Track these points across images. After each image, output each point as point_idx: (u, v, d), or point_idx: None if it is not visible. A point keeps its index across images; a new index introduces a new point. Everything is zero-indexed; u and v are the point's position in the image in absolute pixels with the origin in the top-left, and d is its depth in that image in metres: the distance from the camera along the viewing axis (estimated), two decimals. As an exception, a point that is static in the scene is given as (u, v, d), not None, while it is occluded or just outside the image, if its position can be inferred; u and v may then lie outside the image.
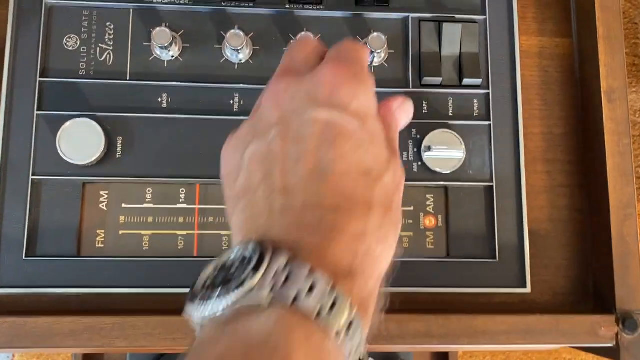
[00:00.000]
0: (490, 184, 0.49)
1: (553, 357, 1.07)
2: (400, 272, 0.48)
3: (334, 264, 0.29)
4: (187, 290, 0.44)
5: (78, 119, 0.46)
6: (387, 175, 0.33)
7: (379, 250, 0.32)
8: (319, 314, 0.26)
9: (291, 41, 0.49)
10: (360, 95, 0.34)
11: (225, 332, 0.26)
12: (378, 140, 0.33)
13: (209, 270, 0.29)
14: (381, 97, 0.50)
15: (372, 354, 0.73)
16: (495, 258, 0.49)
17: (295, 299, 0.26)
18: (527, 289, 0.48)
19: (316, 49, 0.38)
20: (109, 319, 0.43)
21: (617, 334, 0.46)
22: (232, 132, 0.36)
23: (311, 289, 0.26)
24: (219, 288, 0.27)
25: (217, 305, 0.27)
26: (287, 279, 0.27)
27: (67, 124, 0.46)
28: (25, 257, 0.46)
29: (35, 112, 0.47)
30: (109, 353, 0.82)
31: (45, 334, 0.42)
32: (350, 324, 0.27)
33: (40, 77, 0.48)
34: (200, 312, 0.27)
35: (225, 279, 0.27)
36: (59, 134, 0.46)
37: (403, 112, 0.38)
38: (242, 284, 0.26)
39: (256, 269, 0.27)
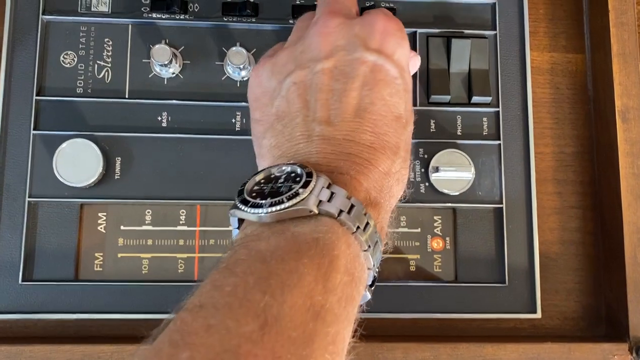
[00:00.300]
0: (500, 205, 0.48)
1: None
2: (407, 297, 0.47)
3: (365, 193, 0.33)
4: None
5: (75, 140, 0.45)
6: (411, 124, 0.37)
7: (395, 188, 0.36)
8: (357, 229, 0.31)
9: None
10: (404, 48, 0.38)
11: (275, 231, 0.30)
12: (409, 90, 0.37)
13: (257, 178, 0.33)
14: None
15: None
16: (504, 282, 0.47)
17: (338, 215, 0.30)
18: (538, 314, 0.47)
19: None
20: (107, 347, 0.42)
21: (630, 363, 0.44)
22: (266, 57, 0.39)
23: (349, 210, 0.31)
24: (269, 197, 0.31)
25: (267, 210, 0.30)
26: (330, 198, 0.31)
27: (64, 145, 0.45)
28: (22, 281, 0.45)
29: (32, 132, 0.46)
30: None
31: (42, 363, 0.41)
32: (376, 242, 0.32)
33: (36, 95, 0.47)
34: (250, 215, 0.31)
35: (274, 190, 0.31)
36: (55, 155, 0.45)
37: (413, 66, 0.42)
38: (294, 195, 0.30)
39: (305, 186, 0.30)
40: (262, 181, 0.33)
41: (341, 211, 0.30)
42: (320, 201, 0.30)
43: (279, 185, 0.31)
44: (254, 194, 0.32)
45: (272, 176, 0.33)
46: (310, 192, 0.30)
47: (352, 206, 0.31)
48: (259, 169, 0.36)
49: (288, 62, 0.37)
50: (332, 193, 0.31)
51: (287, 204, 0.30)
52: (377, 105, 0.35)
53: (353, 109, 0.34)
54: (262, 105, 0.38)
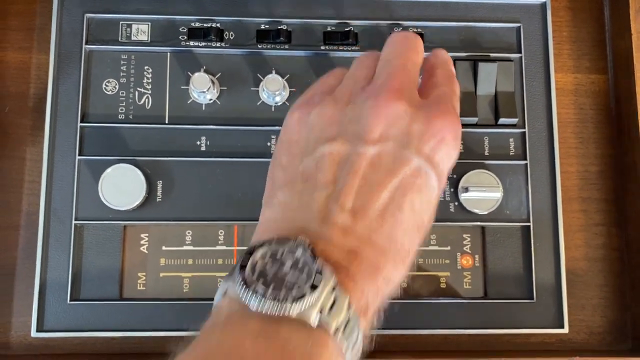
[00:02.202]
0: (528, 223, 0.49)
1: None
2: (438, 314, 0.48)
3: (364, 301, 0.31)
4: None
5: (120, 165, 0.47)
6: (427, 230, 0.35)
7: (391, 292, 0.33)
8: (347, 346, 0.29)
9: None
10: (452, 159, 0.35)
11: (264, 329, 0.27)
12: (437, 201, 0.35)
13: (262, 251, 0.30)
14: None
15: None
16: (532, 298, 0.49)
17: (335, 332, 0.28)
18: (565, 330, 0.48)
19: (416, 77, 0.37)
20: (153, 365, 0.44)
21: (657, 377, 0.46)
22: (311, 101, 0.36)
23: (346, 325, 0.29)
24: (272, 286, 0.28)
25: (267, 304, 0.28)
26: (332, 306, 0.28)
27: (109, 170, 0.47)
28: (70, 300, 0.47)
29: (77, 157, 0.48)
30: None
31: (92, 380, 0.43)
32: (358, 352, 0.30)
33: (80, 122, 0.49)
34: (244, 298, 0.28)
35: (279, 278, 0.29)
36: (100, 180, 0.47)
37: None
38: (299, 297, 0.28)
39: (313, 287, 0.28)
40: (268, 258, 0.29)
41: (337, 329, 0.28)
42: (322, 309, 0.28)
43: (285, 272, 0.29)
44: (256, 274, 0.29)
45: (279, 256, 0.29)
46: (317, 298, 0.28)
47: (348, 320, 0.29)
48: (264, 213, 0.36)
49: (333, 123, 0.34)
50: (335, 300, 0.29)
51: (290, 307, 0.27)
52: (404, 213, 0.32)
53: (380, 207, 0.32)
54: (291, 154, 0.35)
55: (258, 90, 0.50)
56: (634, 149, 0.49)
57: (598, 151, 0.52)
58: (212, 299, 0.47)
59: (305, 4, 0.51)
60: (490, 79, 0.50)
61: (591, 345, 0.49)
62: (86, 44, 0.50)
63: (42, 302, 0.47)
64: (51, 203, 0.48)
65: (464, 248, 0.50)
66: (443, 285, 0.50)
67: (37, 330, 0.46)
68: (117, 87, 0.50)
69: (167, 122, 0.49)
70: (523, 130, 0.51)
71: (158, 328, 0.47)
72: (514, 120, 0.50)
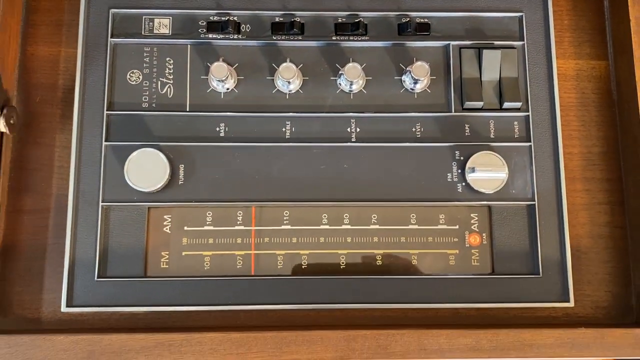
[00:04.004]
0: (533, 202, 0.52)
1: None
2: (448, 289, 0.51)
3: None
4: (244, 307, 0.47)
5: (144, 149, 0.50)
6: None
7: None
8: None
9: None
10: None
11: None
12: None
13: None
14: (425, 121, 0.53)
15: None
16: (538, 274, 0.51)
17: None
18: (571, 303, 0.50)
19: None
20: (177, 336, 0.46)
21: (661, 347, 0.47)
22: None
23: None
24: None
25: None
26: None
27: (134, 153, 0.50)
28: (97, 278, 0.49)
29: (104, 143, 0.51)
30: None
31: (120, 350, 0.46)
32: None
33: (107, 110, 0.52)
34: None
35: None
36: (126, 163, 0.50)
37: None
38: None
39: None
40: None
41: None
42: None
43: None
44: None
45: None
46: None
47: None
48: None
49: None
50: None
51: None
52: None
53: None
54: None
55: (273, 79, 0.53)
56: (634, 131, 0.51)
57: (600, 133, 0.54)
58: (231, 276, 0.50)
59: (317, -3, 0.54)
60: (494, 65, 0.53)
61: (597, 319, 0.51)
62: (111, 37, 0.53)
63: (71, 280, 0.49)
64: (79, 186, 0.51)
65: (472, 227, 0.52)
66: (452, 262, 0.52)
67: (67, 306, 0.49)
68: (140, 77, 0.53)
69: (188, 109, 0.52)
70: (527, 113, 0.53)
71: (180, 303, 0.49)
72: (518, 104, 0.53)
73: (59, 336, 0.46)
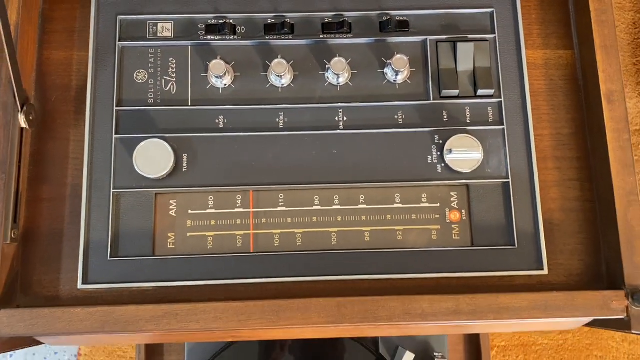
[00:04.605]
0: (507, 180, 0.56)
1: (584, 355, 1.11)
2: (431, 261, 0.55)
3: None
4: (244, 280, 0.52)
5: (151, 140, 0.55)
6: None
7: None
8: None
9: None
10: None
11: None
12: None
13: None
14: (406, 109, 0.57)
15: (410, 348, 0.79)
16: (514, 245, 0.55)
17: None
18: (545, 271, 0.54)
19: None
20: (183, 306, 0.51)
21: (627, 307, 0.51)
22: None
23: None
24: None
25: None
26: None
27: (142, 144, 0.55)
28: (110, 257, 0.54)
29: (114, 136, 0.56)
30: (170, 342, 0.90)
31: (131, 319, 0.50)
32: None
33: (116, 106, 0.57)
34: None
35: None
36: (135, 152, 0.55)
37: None
38: None
39: None
40: None
41: None
42: None
43: None
44: None
45: None
46: None
47: None
48: None
49: None
50: None
51: None
52: None
53: None
54: None
55: (267, 75, 0.58)
56: (598, 112, 0.56)
57: (568, 116, 0.59)
58: (232, 254, 0.55)
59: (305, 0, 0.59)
60: (468, 57, 0.58)
61: (570, 286, 0.55)
62: (119, 41, 0.58)
63: (86, 260, 0.54)
64: (92, 175, 0.56)
65: (452, 204, 0.57)
66: (434, 237, 0.56)
67: (83, 283, 0.54)
68: (146, 76, 0.58)
69: (189, 104, 0.57)
70: (499, 99, 0.58)
71: (186, 279, 0.54)
72: (491, 91, 0.57)
73: (76, 309, 0.50)
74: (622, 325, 0.52)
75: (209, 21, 0.59)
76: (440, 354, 0.80)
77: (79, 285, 0.54)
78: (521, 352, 1.10)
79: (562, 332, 1.12)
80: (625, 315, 0.51)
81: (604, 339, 1.12)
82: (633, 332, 0.52)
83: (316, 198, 0.56)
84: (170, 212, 0.56)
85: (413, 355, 0.78)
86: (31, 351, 1.14)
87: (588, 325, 0.59)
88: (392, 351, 0.80)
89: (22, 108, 0.54)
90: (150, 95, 0.58)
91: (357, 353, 0.81)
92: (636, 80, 1.24)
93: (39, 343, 0.58)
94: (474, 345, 0.90)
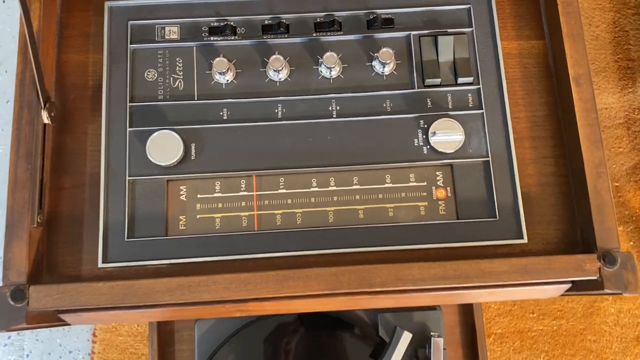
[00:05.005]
0: (487, 159, 0.61)
1: (578, 340, 1.15)
2: (419, 234, 0.60)
3: None
4: (250, 255, 0.57)
5: (162, 131, 0.61)
6: None
7: None
8: None
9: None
10: None
11: None
12: None
13: None
14: (393, 97, 0.63)
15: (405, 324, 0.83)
16: (496, 217, 0.60)
17: None
18: (524, 240, 0.59)
19: None
20: (195, 278, 0.56)
21: (599, 269, 0.56)
22: None
23: None
24: None
25: None
26: None
27: (155, 134, 0.60)
28: (127, 238, 0.59)
29: (128, 129, 0.62)
30: (181, 319, 0.95)
31: (148, 292, 0.55)
32: None
33: (129, 102, 0.63)
34: None
35: None
36: (148, 142, 0.60)
37: None
38: None
39: None
40: None
41: None
42: None
43: None
44: None
45: None
46: None
47: None
48: None
49: None
50: None
51: None
52: None
53: None
54: None
55: (265, 70, 0.64)
56: (568, 94, 0.61)
57: (542, 99, 0.64)
58: (238, 232, 0.60)
59: (298, 2, 0.65)
60: (448, 49, 0.64)
61: (548, 253, 0.60)
62: (130, 44, 0.64)
63: (105, 241, 0.59)
64: (109, 165, 0.61)
65: (438, 182, 0.62)
66: (423, 213, 0.61)
67: (103, 262, 0.59)
68: (156, 75, 0.64)
69: (196, 98, 0.63)
70: (478, 86, 0.63)
71: (196, 256, 0.59)
72: (470, 79, 0.63)
73: (97, 283, 0.55)
74: (596, 286, 0.57)
75: (212, 24, 0.65)
76: (436, 333, 0.84)
77: (99, 264, 0.59)
78: (517, 339, 1.15)
79: (557, 318, 1.16)
80: (598, 276, 0.56)
81: (597, 323, 1.16)
82: (606, 291, 0.56)
83: (314, 180, 0.62)
84: (181, 197, 0.61)
85: (410, 335, 0.82)
86: (46, 351, 1.19)
87: (568, 292, 0.63)
88: (391, 332, 0.84)
89: (44, 105, 0.60)
90: (160, 91, 0.63)
91: (358, 336, 0.86)
92: (618, 76, 1.30)
93: (63, 324, 0.63)
94: (469, 327, 0.94)
